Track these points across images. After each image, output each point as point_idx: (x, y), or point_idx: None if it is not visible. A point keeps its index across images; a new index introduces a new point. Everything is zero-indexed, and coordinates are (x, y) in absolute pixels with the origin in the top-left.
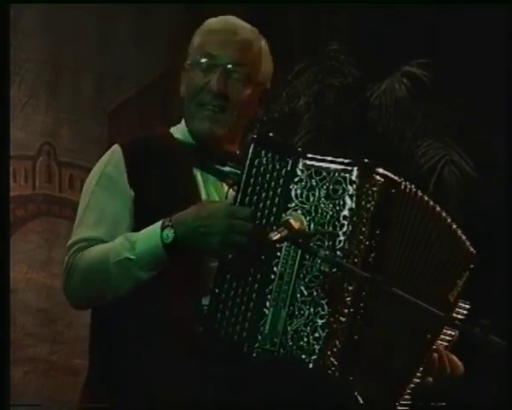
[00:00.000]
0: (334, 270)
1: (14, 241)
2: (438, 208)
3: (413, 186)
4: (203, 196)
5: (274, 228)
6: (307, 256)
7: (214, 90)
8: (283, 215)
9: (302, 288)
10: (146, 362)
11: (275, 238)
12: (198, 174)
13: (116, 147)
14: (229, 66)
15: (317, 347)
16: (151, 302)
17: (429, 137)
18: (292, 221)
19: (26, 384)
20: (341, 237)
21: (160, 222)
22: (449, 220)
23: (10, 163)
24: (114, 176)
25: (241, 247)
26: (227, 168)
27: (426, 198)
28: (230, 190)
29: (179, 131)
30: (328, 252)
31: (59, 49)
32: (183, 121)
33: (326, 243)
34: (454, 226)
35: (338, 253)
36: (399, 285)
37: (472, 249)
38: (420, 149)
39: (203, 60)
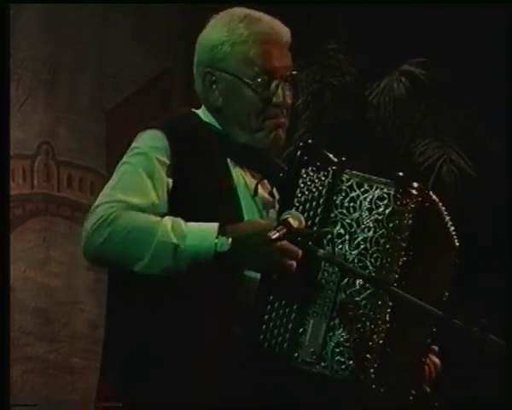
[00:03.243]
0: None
1: (12, 240)
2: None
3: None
4: (237, 186)
5: (273, 227)
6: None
7: (281, 105)
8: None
9: (343, 302)
10: (180, 365)
11: (274, 237)
12: (230, 163)
13: (159, 133)
14: (285, 77)
15: (356, 361)
16: (187, 306)
17: (427, 136)
18: (291, 220)
19: (24, 383)
20: (382, 254)
21: (216, 227)
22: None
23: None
24: (155, 158)
25: (290, 270)
26: (255, 161)
27: (444, 209)
28: (265, 186)
29: (207, 117)
30: (326, 251)
31: (57, 48)
32: (204, 109)
33: (368, 260)
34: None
35: (378, 270)
36: (421, 295)
37: (457, 242)
38: (418, 148)
39: (260, 80)
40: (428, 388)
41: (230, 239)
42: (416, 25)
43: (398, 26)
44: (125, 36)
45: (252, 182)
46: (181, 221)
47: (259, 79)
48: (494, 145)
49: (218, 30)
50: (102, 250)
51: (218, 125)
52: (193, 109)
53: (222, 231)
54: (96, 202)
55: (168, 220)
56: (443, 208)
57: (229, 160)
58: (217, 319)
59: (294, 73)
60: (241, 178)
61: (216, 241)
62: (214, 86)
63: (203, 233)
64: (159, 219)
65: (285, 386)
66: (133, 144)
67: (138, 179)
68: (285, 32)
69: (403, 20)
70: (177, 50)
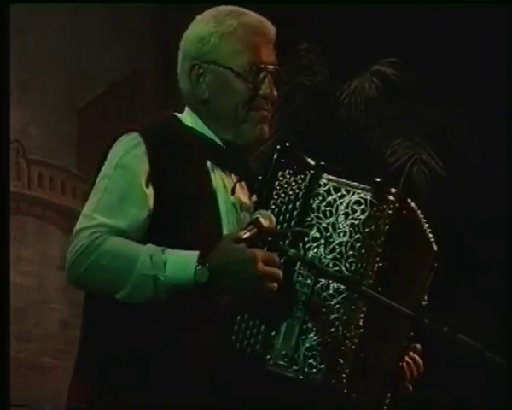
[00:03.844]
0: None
1: None
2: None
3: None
4: (216, 188)
5: (244, 227)
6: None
7: (268, 96)
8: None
9: (317, 306)
10: (154, 364)
11: (244, 237)
12: (209, 166)
13: (137, 137)
14: (272, 70)
15: (328, 366)
16: (163, 306)
17: (399, 136)
18: (261, 220)
19: None
20: (357, 259)
21: (196, 257)
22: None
23: None
24: (135, 169)
25: (271, 293)
26: (235, 163)
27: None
28: (238, 185)
29: (190, 120)
30: (296, 251)
31: (29, 46)
32: (188, 110)
33: (343, 265)
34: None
35: (353, 274)
36: (397, 300)
37: (435, 247)
38: (389, 147)
39: (248, 70)
40: (411, 386)
41: (208, 270)
42: (387, 24)
43: (370, 26)
44: (96, 36)
45: (231, 185)
46: (160, 251)
47: (248, 68)
48: (465, 145)
49: (204, 23)
50: (85, 279)
51: (200, 126)
52: (175, 113)
53: (201, 261)
54: (78, 226)
55: (148, 251)
56: (421, 215)
57: (209, 163)
58: (193, 320)
59: (278, 68)
60: (221, 181)
61: (195, 271)
62: (201, 79)
63: (182, 263)
64: (139, 247)
65: (257, 388)
66: (111, 154)
67: (118, 198)
68: (271, 28)
69: (374, 19)
70: (148, 51)
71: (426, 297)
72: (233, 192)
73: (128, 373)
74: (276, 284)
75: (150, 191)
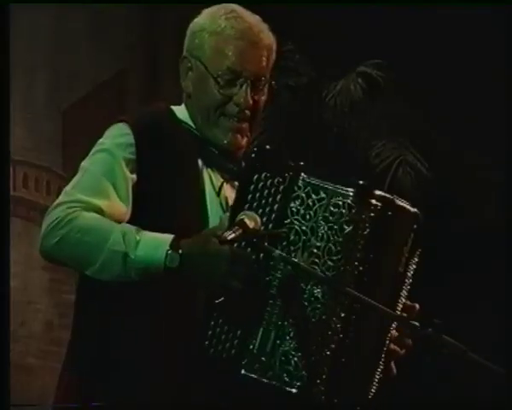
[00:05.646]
0: (318, 289)
1: None
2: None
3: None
4: (205, 186)
5: (229, 228)
6: (302, 280)
7: (241, 105)
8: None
9: (295, 311)
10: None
11: (229, 238)
12: (200, 162)
13: (127, 128)
14: (253, 79)
15: (304, 373)
16: (148, 307)
17: (384, 136)
18: (246, 221)
19: None
20: (337, 263)
21: (170, 240)
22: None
23: None
24: (118, 155)
25: (237, 290)
26: (225, 162)
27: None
28: (224, 185)
29: (183, 114)
30: (282, 252)
31: (13, 46)
32: (183, 106)
33: (320, 269)
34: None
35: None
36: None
37: (413, 209)
38: (374, 149)
39: (225, 75)
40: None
41: (179, 256)
42: (372, 25)
43: (355, 27)
44: (81, 35)
45: (219, 183)
46: (134, 230)
47: (225, 72)
48: (447, 145)
49: (202, 17)
50: (56, 251)
51: (191, 122)
52: (171, 106)
53: (174, 246)
54: (56, 201)
55: (121, 228)
56: (411, 211)
57: (199, 160)
58: (172, 322)
59: (264, 78)
60: (210, 178)
61: (166, 254)
62: (190, 73)
63: (155, 245)
64: (113, 225)
65: (232, 393)
66: (100, 140)
67: (99, 179)
68: (266, 35)
69: (360, 20)
70: (133, 51)
71: (413, 267)
72: (219, 193)
73: (115, 368)
74: (242, 284)
75: (134, 178)
